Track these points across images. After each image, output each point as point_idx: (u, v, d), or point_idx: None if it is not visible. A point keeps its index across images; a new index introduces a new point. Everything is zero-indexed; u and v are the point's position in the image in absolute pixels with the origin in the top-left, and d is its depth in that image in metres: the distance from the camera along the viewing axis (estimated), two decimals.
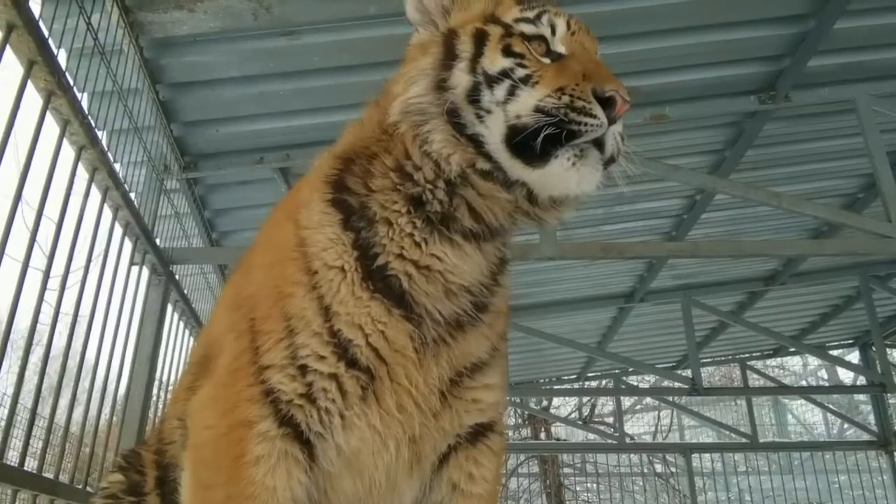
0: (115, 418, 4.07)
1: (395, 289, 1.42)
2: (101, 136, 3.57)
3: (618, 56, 4.63)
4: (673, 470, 14.24)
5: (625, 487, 13.79)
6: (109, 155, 3.58)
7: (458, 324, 1.46)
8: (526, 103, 1.37)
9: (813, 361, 16.11)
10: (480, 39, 1.46)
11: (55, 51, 2.81)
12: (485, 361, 1.54)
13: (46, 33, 2.71)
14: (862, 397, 14.04)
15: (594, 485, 13.37)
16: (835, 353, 11.65)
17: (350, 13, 4.00)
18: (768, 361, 13.64)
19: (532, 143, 1.35)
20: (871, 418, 11.30)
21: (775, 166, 6.14)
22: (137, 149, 4.09)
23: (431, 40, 1.52)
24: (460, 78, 1.42)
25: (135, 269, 4.07)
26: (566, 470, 14.74)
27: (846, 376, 14.72)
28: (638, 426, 16.94)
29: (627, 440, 12.08)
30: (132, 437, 3.91)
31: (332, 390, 1.39)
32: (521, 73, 1.40)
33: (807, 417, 16.06)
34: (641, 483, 14.80)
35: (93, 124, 3.31)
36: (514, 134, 1.37)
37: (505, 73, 1.40)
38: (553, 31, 1.49)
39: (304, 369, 1.39)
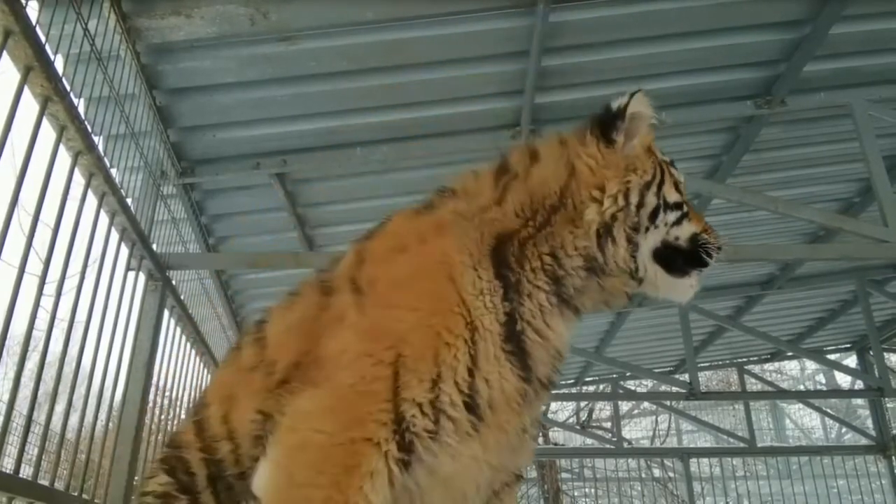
0: (111, 425, 4.05)
1: (521, 351, 1.68)
2: (98, 141, 3.56)
3: (614, 61, 4.65)
4: (671, 475, 14.22)
5: (623, 492, 13.76)
6: (106, 160, 3.57)
7: (547, 383, 1.76)
8: (686, 232, 1.86)
9: (810, 366, 16.12)
10: (663, 172, 1.87)
11: (52, 56, 2.81)
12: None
13: (43, 39, 2.72)
14: (860, 401, 14.05)
15: (592, 490, 13.37)
16: (832, 357, 11.65)
17: (347, 19, 4.01)
18: (766, 366, 13.65)
19: (677, 259, 1.85)
20: (869, 422, 11.29)
21: (772, 171, 6.15)
22: (134, 154, 4.09)
23: (639, 158, 1.88)
24: (651, 199, 1.82)
25: (131, 274, 4.07)
26: (564, 475, 14.72)
27: (844, 380, 14.72)
28: (636, 431, 16.92)
29: (625, 445, 12.07)
30: (128, 443, 3.89)
31: (452, 430, 1.61)
32: (685, 208, 1.89)
33: (805, 422, 16.06)
34: (640, 488, 14.78)
35: (89, 130, 3.30)
36: (665, 248, 1.83)
37: (678, 206, 1.86)
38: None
39: (438, 410, 1.60)
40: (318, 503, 1.51)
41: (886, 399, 10.41)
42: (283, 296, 2.08)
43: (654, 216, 1.81)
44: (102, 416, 3.76)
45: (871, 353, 10.01)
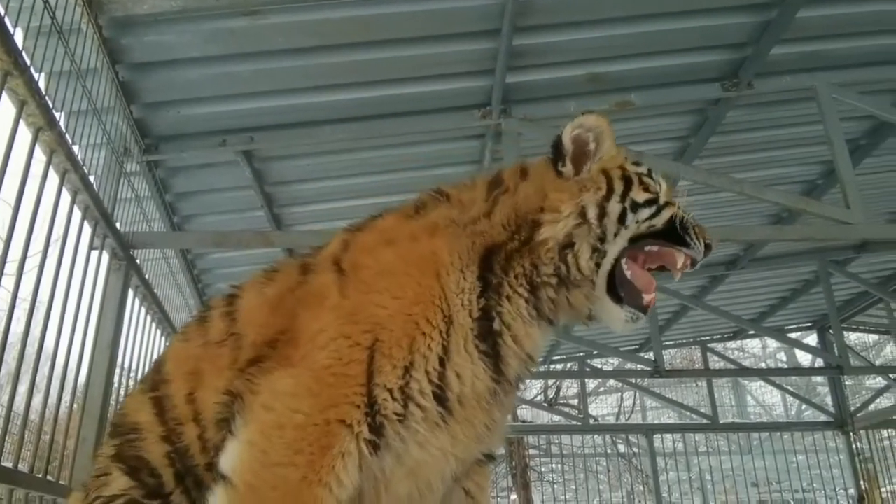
0: (75, 406, 4.00)
1: (495, 353, 1.77)
2: (59, 117, 3.47)
3: (584, 42, 4.65)
4: (635, 450, 14.51)
5: (589, 468, 14.01)
6: (68, 137, 3.48)
7: (516, 384, 1.87)
8: (664, 216, 1.95)
9: (772, 344, 16.49)
10: (629, 180, 1.96)
11: (11, 29, 2.72)
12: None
13: (2, 11, 2.63)
14: (819, 379, 14.44)
15: (559, 465, 13.57)
16: (793, 336, 11.93)
17: None
18: (728, 344, 13.93)
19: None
20: (829, 400, 11.61)
21: (738, 153, 6.23)
22: (96, 131, 4.00)
23: (591, 179, 1.96)
24: (614, 207, 1.91)
25: (94, 253, 3.99)
26: (531, 451, 14.91)
27: (804, 359, 15.09)
28: (602, 408, 17.19)
29: (591, 422, 12.27)
30: (94, 424, 3.85)
31: (420, 418, 1.67)
32: (661, 201, 1.97)
33: (766, 399, 16.46)
34: (605, 463, 15.07)
35: (50, 105, 3.22)
36: (632, 242, 1.92)
37: (651, 202, 1.95)
38: (660, 186, 2.01)
39: (407, 397, 1.66)
40: (294, 483, 1.54)
41: (845, 377, 10.71)
42: (258, 272, 2.05)
43: (622, 219, 1.91)
44: (67, 397, 3.71)
45: (831, 332, 10.26)
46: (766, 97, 5.46)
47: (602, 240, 1.89)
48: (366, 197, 6.04)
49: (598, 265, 1.89)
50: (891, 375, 10.87)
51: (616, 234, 1.90)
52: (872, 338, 13.67)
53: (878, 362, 13.45)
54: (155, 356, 5.32)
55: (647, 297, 1.93)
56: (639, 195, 1.95)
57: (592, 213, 1.89)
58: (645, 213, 1.93)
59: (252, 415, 1.61)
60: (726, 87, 5.11)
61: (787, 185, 6.77)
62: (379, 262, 1.80)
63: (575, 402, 15.12)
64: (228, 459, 1.60)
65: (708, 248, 2.02)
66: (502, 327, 1.80)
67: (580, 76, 4.93)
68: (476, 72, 4.77)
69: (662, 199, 1.99)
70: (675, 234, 1.94)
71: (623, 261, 1.90)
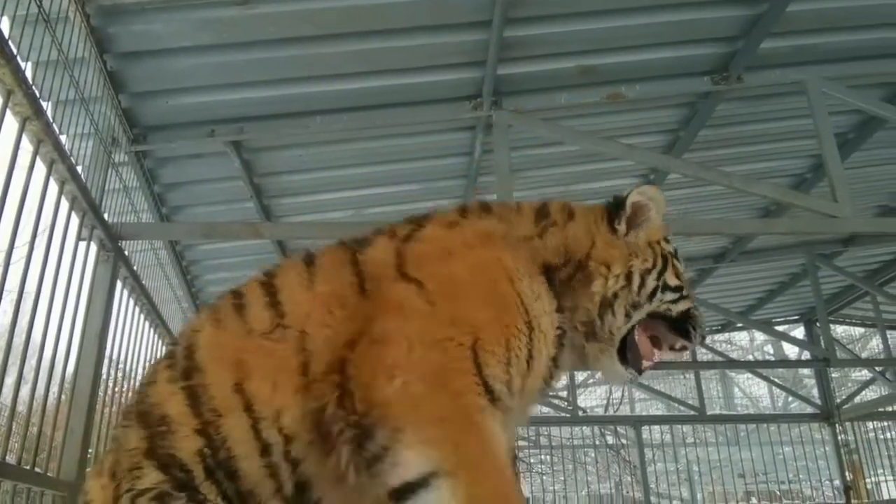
0: (63, 397, 3.98)
1: (556, 362, 1.96)
2: (46, 107, 3.45)
3: (575, 34, 4.65)
4: (624, 441, 14.59)
5: (577, 459, 14.08)
6: (55, 127, 3.46)
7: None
8: (681, 307, 2.16)
9: (759, 337, 16.59)
10: (666, 260, 2.17)
11: None
12: None
13: None
14: (806, 371, 14.55)
15: (548, 456, 13.62)
16: (781, 328, 12.01)
17: None
18: (716, 336, 13.99)
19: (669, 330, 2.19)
20: (815, 392, 11.72)
21: (727, 146, 6.25)
22: (84, 120, 3.96)
23: (640, 248, 2.16)
24: (651, 282, 2.11)
25: (82, 244, 3.97)
26: (521, 443, 14.96)
27: (791, 351, 15.20)
28: (590, 399, 17.26)
29: (580, 413, 12.33)
30: (82, 416, 3.83)
31: (505, 408, 1.78)
32: (684, 291, 2.18)
33: (753, 391, 16.58)
34: (593, 454, 15.15)
35: (37, 95, 3.20)
36: (650, 316, 2.13)
37: (678, 289, 2.16)
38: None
39: (506, 384, 1.78)
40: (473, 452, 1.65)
41: (832, 369, 10.80)
42: (291, 262, 2.01)
43: (652, 296, 2.10)
44: (54, 388, 3.69)
45: (818, 324, 10.34)
46: (756, 91, 5.47)
47: (634, 307, 2.08)
48: (356, 188, 6.03)
49: (618, 328, 2.08)
50: (876, 368, 10.96)
51: (643, 306, 2.10)
52: (859, 331, 13.78)
53: (863, 355, 13.57)
54: (144, 348, 5.30)
55: (646, 364, 2.14)
56: (671, 279, 2.16)
57: (636, 282, 2.09)
58: (669, 296, 2.14)
59: (404, 420, 1.60)
60: (716, 81, 5.12)
61: (776, 178, 6.80)
62: (451, 271, 1.87)
63: (564, 393, 15.17)
64: (418, 461, 1.57)
65: (703, 338, 2.21)
66: (563, 340, 1.99)
67: (571, 68, 4.93)
68: (467, 63, 4.76)
69: (685, 290, 2.21)
70: (683, 325, 2.16)
71: (635, 328, 2.10)
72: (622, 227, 2.15)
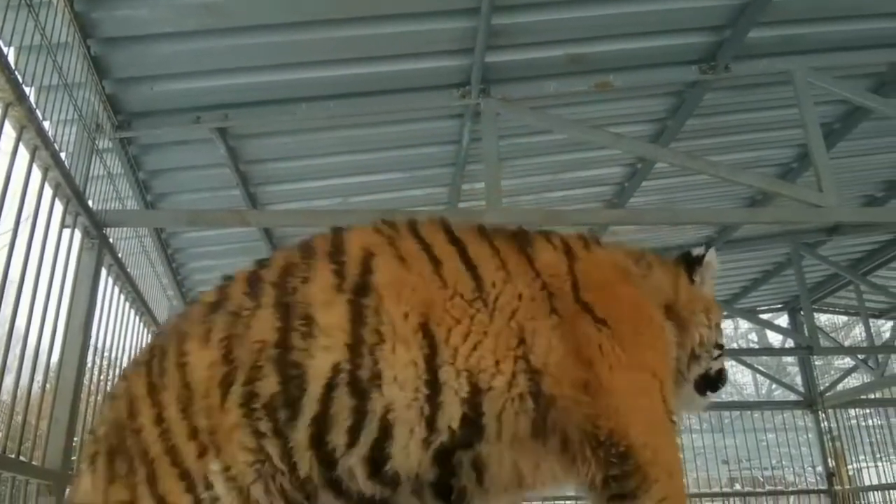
0: (48, 386, 3.95)
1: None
2: (29, 92, 3.40)
3: (564, 22, 4.63)
4: None
5: None
6: (38, 112, 3.41)
7: None
8: (717, 366, 2.39)
9: (744, 325, 16.73)
10: (719, 318, 2.43)
11: None
12: None
13: None
14: (790, 359, 14.66)
15: None
16: (765, 316, 12.11)
17: None
18: None
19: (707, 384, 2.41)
20: (798, 379, 11.83)
21: (714, 136, 6.26)
22: (67, 106, 3.91)
23: (710, 301, 2.40)
24: (713, 337, 2.37)
25: (66, 232, 3.93)
26: None
27: (775, 339, 15.32)
28: None
29: None
30: (67, 405, 3.81)
31: None
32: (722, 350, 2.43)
33: (737, 378, 16.70)
34: None
35: (20, 80, 3.15)
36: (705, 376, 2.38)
37: (721, 346, 2.39)
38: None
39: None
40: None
41: (815, 357, 10.90)
42: (471, 233, 2.10)
43: (711, 348, 2.34)
44: (39, 377, 3.66)
45: (802, 313, 10.42)
46: (743, 80, 5.48)
47: (708, 352, 2.36)
48: (343, 176, 6.01)
49: (692, 370, 2.35)
50: (859, 356, 11.09)
51: (702, 359, 2.35)
52: (842, 319, 13.92)
53: (846, 343, 13.73)
54: (129, 336, 5.26)
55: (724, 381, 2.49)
56: (721, 338, 2.42)
57: (711, 335, 2.36)
58: (715, 352, 2.37)
59: (643, 454, 1.86)
60: (704, 70, 5.12)
61: (762, 168, 6.83)
62: (622, 311, 2.05)
63: None
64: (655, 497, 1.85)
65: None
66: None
67: (559, 57, 4.91)
68: (455, 51, 4.74)
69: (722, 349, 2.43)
70: (714, 383, 2.40)
71: None
72: (699, 280, 2.39)
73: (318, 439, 1.77)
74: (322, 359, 1.79)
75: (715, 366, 2.37)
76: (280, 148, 5.50)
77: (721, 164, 5.39)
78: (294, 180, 5.98)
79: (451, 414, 1.80)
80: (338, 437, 1.77)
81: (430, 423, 1.79)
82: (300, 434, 1.77)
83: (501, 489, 1.93)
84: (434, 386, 1.79)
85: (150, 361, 1.91)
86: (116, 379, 5.06)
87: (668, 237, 8.63)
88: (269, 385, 1.78)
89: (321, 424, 1.77)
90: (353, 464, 1.78)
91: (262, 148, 5.44)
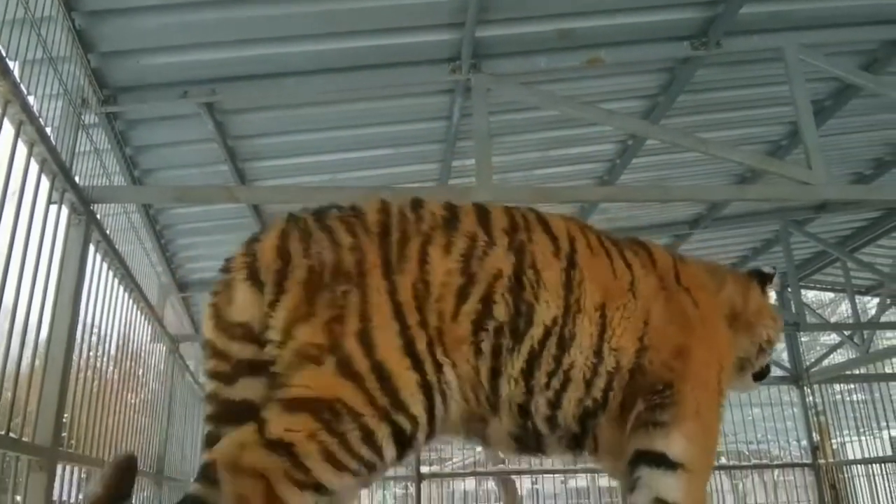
0: (37, 362, 3.94)
1: None
2: (13, 66, 3.34)
3: None
4: None
5: None
6: (22, 87, 3.36)
7: None
8: (764, 361, 2.91)
9: None
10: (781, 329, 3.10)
11: None
12: None
13: None
14: None
15: None
16: None
17: None
18: None
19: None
20: (785, 355, 11.94)
21: (704, 112, 6.26)
22: (53, 81, 3.85)
23: (779, 320, 2.95)
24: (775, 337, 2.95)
25: (53, 208, 3.89)
26: None
27: None
28: None
29: None
30: (56, 381, 3.80)
31: None
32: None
33: None
34: None
35: (3, 54, 3.10)
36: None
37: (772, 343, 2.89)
38: None
39: None
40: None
41: (801, 333, 11.00)
42: (630, 243, 2.54)
43: (773, 346, 2.86)
44: (28, 353, 3.65)
45: (789, 290, 10.49)
46: (734, 56, 5.46)
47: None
48: (332, 152, 5.97)
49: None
50: (845, 332, 11.20)
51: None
52: (828, 296, 14.04)
53: (832, 319, 13.85)
54: (118, 312, 5.24)
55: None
56: (779, 340, 3.13)
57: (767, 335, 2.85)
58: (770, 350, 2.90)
59: (688, 418, 2.21)
60: (695, 46, 5.10)
61: (752, 145, 6.84)
62: (708, 309, 2.48)
63: None
64: (677, 448, 2.18)
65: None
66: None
67: (550, 32, 4.88)
68: (446, 24, 4.70)
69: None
70: (764, 375, 2.92)
71: None
72: (769, 292, 2.90)
73: (528, 373, 2.11)
74: (546, 308, 2.12)
75: (767, 361, 2.89)
76: (268, 123, 5.45)
77: (711, 141, 5.39)
78: (283, 156, 5.94)
79: (600, 384, 2.20)
80: (540, 377, 2.12)
81: (587, 389, 2.19)
82: (516, 363, 2.09)
83: (606, 454, 2.35)
84: (598, 358, 2.18)
85: (387, 239, 2.04)
86: (106, 355, 5.05)
87: (658, 214, 8.65)
88: (501, 311, 2.07)
89: (532, 362, 2.10)
90: (540, 402, 2.15)
91: (250, 123, 5.40)
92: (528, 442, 2.25)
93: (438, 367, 1.95)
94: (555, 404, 2.16)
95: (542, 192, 5.18)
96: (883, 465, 10.32)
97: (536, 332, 2.09)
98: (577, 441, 2.28)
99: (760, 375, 2.88)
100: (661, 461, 2.15)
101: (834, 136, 6.68)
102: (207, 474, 1.80)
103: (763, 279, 2.89)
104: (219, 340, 1.89)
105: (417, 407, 1.88)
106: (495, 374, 2.07)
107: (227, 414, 1.83)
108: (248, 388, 1.84)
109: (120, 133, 5.06)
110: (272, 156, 5.89)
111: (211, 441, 1.85)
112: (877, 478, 10.23)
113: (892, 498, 10.89)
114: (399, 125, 5.81)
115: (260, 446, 1.68)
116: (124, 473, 1.89)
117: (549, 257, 2.18)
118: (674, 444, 2.16)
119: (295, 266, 1.91)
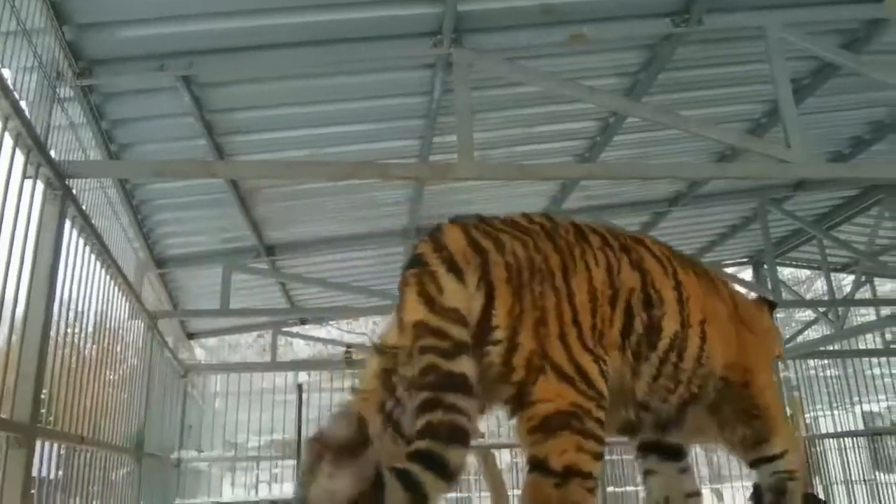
0: (14, 338, 3.89)
1: None
2: None
3: None
4: None
5: None
6: None
7: None
8: None
9: None
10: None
11: None
12: None
13: None
14: None
15: None
16: (730, 270, 12.31)
17: None
18: None
19: None
20: None
21: (684, 90, 6.26)
22: (27, 53, 3.77)
23: (780, 338, 3.61)
24: None
25: (28, 183, 3.82)
26: None
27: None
28: None
29: None
30: (33, 358, 3.76)
31: None
32: None
33: None
34: None
35: None
36: None
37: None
38: None
39: None
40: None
41: (777, 310, 11.15)
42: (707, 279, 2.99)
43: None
44: (4, 330, 3.61)
45: (766, 267, 10.62)
46: (715, 34, 5.46)
47: None
48: (312, 127, 5.92)
49: None
50: (819, 309, 11.38)
51: None
52: (804, 273, 14.24)
53: (808, 296, 14.06)
54: (96, 288, 5.19)
55: None
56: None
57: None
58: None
59: (779, 435, 2.90)
60: (677, 23, 5.09)
61: (732, 123, 6.88)
62: (759, 336, 3.07)
63: None
64: (777, 448, 2.86)
65: None
66: None
67: (533, 7, 4.84)
68: None
69: None
70: None
71: None
72: (774, 315, 3.36)
73: (655, 377, 2.50)
74: (669, 324, 2.51)
75: None
76: (247, 97, 5.39)
77: (691, 118, 5.40)
78: (262, 130, 5.88)
79: (697, 383, 2.64)
80: (662, 381, 2.52)
81: (688, 386, 2.63)
82: (648, 369, 2.47)
83: (687, 433, 2.84)
84: (699, 364, 2.61)
85: (557, 244, 2.35)
86: (83, 331, 5.01)
87: (638, 191, 8.69)
88: (639, 324, 2.43)
89: (660, 368, 2.50)
90: (656, 399, 2.56)
91: (228, 97, 5.33)
92: (631, 428, 2.70)
93: (605, 363, 2.27)
94: (666, 400, 2.60)
95: (523, 169, 5.17)
96: (855, 438, 10.54)
97: (663, 344, 2.49)
98: (667, 425, 2.73)
99: None
100: (772, 458, 2.87)
101: (813, 115, 6.73)
102: (423, 458, 1.89)
103: (772, 306, 3.42)
104: (433, 321, 2.06)
105: (605, 391, 2.24)
106: (634, 375, 2.45)
107: (447, 384, 2.00)
108: (464, 364, 2.02)
109: (96, 107, 4.97)
110: (251, 130, 5.83)
111: (431, 405, 1.97)
112: (849, 451, 10.45)
113: (863, 470, 11.15)
114: (380, 100, 5.76)
115: (554, 486, 2.00)
116: None
117: (661, 276, 2.56)
118: (775, 447, 2.86)
119: (493, 262, 2.16)
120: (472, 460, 15.58)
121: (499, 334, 2.12)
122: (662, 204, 9.13)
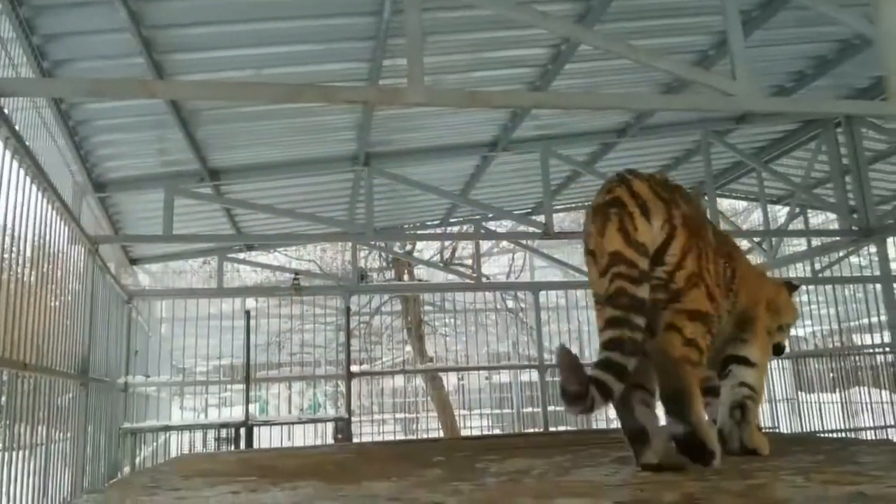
0: None
1: None
2: None
3: None
4: (522, 306, 15.35)
5: (479, 321, 14.78)
6: None
7: None
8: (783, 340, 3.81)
9: None
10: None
11: None
12: None
13: None
14: None
15: (452, 319, 14.21)
16: None
17: None
18: None
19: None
20: None
21: (636, 19, 6.23)
22: None
23: (797, 313, 3.89)
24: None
25: None
26: (427, 308, 15.50)
27: None
28: (494, 267, 17.91)
29: (483, 280, 12.70)
30: None
31: None
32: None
33: None
34: (494, 317, 15.91)
35: None
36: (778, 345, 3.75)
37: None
38: None
39: None
40: None
41: None
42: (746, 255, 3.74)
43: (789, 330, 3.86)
44: None
45: (706, 198, 10.88)
46: None
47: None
48: (255, 46, 5.73)
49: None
50: (755, 239, 11.77)
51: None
52: (742, 204, 14.65)
53: (744, 227, 14.51)
54: (33, 213, 5.02)
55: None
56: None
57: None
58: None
59: (756, 346, 3.35)
60: None
61: (681, 54, 6.90)
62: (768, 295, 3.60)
63: (469, 262, 15.62)
64: (756, 354, 3.33)
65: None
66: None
67: None
68: None
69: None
70: (779, 349, 3.67)
71: None
72: (794, 296, 3.78)
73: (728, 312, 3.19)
74: (734, 297, 3.19)
75: (784, 341, 3.68)
76: (186, 12, 5.16)
77: (641, 48, 5.40)
78: (202, 49, 5.66)
79: (732, 322, 3.27)
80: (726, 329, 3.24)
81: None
82: (726, 305, 3.12)
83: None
84: (736, 305, 3.23)
85: (701, 212, 3.13)
86: (21, 255, 4.87)
87: (588, 121, 8.72)
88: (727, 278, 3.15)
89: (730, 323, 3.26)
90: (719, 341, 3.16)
91: (166, 12, 5.09)
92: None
93: (717, 305, 2.97)
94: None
95: (474, 96, 5.11)
96: (780, 360, 11.13)
97: (736, 310, 3.23)
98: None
99: (778, 349, 3.64)
100: (744, 361, 3.30)
101: (759, 48, 6.79)
102: (623, 347, 2.60)
103: (793, 288, 3.84)
104: (627, 252, 2.67)
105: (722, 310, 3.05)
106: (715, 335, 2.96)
107: (633, 306, 2.62)
108: (644, 290, 2.66)
109: (26, 20, 4.71)
110: (191, 48, 5.61)
111: (617, 322, 2.61)
112: (774, 372, 11.06)
113: (786, 390, 11.80)
114: (327, 19, 5.59)
115: (682, 344, 2.72)
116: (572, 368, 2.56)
117: (714, 257, 2.99)
118: (751, 354, 3.31)
119: (675, 212, 2.80)
120: (420, 383, 15.89)
121: (671, 259, 2.77)
122: (611, 135, 9.20)
